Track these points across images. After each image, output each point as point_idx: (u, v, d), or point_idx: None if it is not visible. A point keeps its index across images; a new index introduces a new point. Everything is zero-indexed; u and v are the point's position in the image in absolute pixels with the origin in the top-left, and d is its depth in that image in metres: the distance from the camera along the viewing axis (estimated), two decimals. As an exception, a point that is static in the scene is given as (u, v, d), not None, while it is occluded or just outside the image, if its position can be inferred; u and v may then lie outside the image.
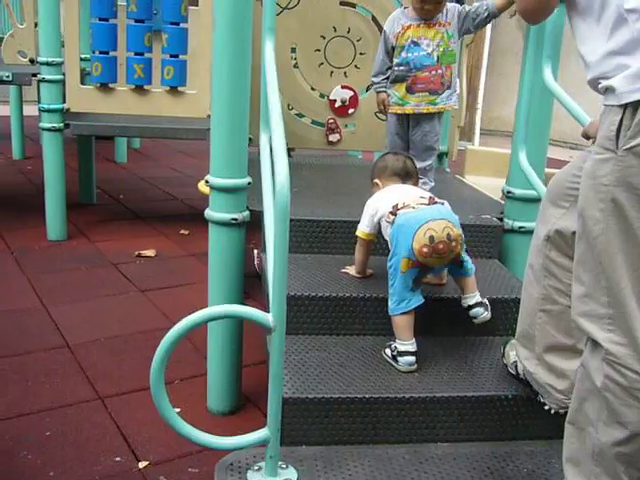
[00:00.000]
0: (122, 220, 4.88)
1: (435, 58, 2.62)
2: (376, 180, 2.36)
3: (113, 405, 2.61)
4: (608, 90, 1.42)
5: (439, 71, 2.63)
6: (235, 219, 2.43)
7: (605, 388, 1.48)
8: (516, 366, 2.00)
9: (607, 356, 1.47)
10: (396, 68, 2.68)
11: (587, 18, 1.49)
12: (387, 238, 2.16)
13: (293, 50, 3.37)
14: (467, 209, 2.65)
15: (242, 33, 2.26)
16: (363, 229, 2.28)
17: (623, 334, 1.45)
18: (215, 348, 2.54)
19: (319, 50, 3.37)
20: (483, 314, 2.13)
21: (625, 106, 1.38)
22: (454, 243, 2.04)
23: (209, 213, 2.47)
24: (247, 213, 2.49)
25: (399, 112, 2.72)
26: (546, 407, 1.91)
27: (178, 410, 2.52)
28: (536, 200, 2.59)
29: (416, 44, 2.62)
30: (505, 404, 1.97)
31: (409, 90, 2.67)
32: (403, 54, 2.65)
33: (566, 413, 1.84)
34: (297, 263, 2.44)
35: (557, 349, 1.85)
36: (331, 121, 3.47)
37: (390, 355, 2.08)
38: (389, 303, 2.10)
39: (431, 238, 2.01)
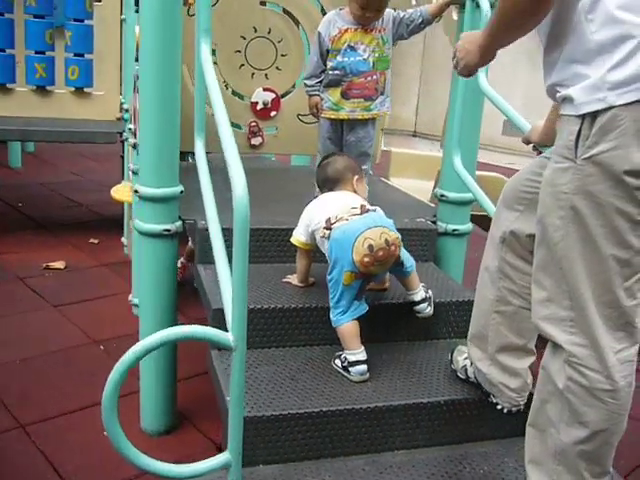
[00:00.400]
0: (24, 230, 4.58)
1: (371, 64, 2.59)
2: (317, 189, 2.33)
3: (37, 432, 2.44)
4: (566, 100, 1.45)
5: (374, 77, 2.61)
6: (168, 230, 2.33)
7: (567, 389, 1.51)
8: (466, 370, 2.02)
9: (569, 358, 1.50)
10: (331, 72, 2.63)
11: (551, 23, 1.50)
12: (324, 252, 2.12)
13: (213, 51, 3.26)
14: (400, 213, 2.65)
15: (171, 33, 2.16)
16: (299, 237, 2.24)
17: (584, 336, 1.48)
18: (148, 364, 2.42)
19: (239, 51, 3.28)
20: (427, 309, 2.19)
21: (583, 116, 1.40)
22: (393, 247, 2.03)
23: (138, 224, 2.35)
24: (180, 223, 2.38)
25: (333, 117, 2.68)
26: (499, 407, 1.94)
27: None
28: (469, 202, 2.64)
29: (353, 49, 2.58)
30: (458, 408, 1.98)
31: (344, 95, 2.63)
32: (339, 58, 2.60)
33: (518, 412, 1.90)
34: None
35: (510, 349, 1.87)
36: (253, 124, 3.39)
37: (341, 366, 2.05)
38: (331, 315, 2.07)
39: (370, 247, 1.99)
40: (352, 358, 2.02)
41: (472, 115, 2.49)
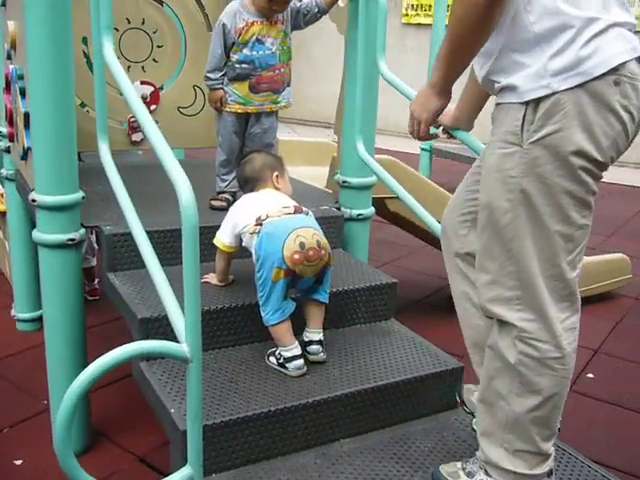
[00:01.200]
0: None
1: (278, 57, 2.55)
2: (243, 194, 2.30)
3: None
4: (507, 88, 1.51)
5: (282, 70, 2.57)
6: (72, 239, 2.18)
7: (519, 363, 1.60)
8: None
9: (520, 334, 1.58)
10: (237, 65, 2.55)
11: None
12: (252, 250, 2.07)
13: (84, 43, 3.07)
14: (301, 202, 2.65)
15: (63, 28, 2.03)
16: (223, 240, 2.17)
17: (532, 311, 1.57)
18: (57, 378, 2.26)
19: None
20: (320, 354, 2.08)
21: (527, 103, 1.48)
22: (323, 251, 2.01)
23: (38, 235, 2.19)
24: (83, 231, 2.25)
25: (240, 111, 2.61)
26: None
27: (20, 462, 2.25)
28: (370, 186, 2.70)
29: (261, 42, 2.52)
30: (397, 389, 2.03)
31: (252, 89, 2.56)
32: (246, 51, 2.53)
33: (448, 388, 1.96)
34: (143, 280, 2.25)
35: None
36: (133, 119, 3.23)
37: (277, 363, 2.03)
38: (262, 314, 2.03)
39: (302, 244, 1.97)
40: (288, 354, 2.02)
41: (370, 101, 2.54)
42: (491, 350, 1.67)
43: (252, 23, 2.52)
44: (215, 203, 2.68)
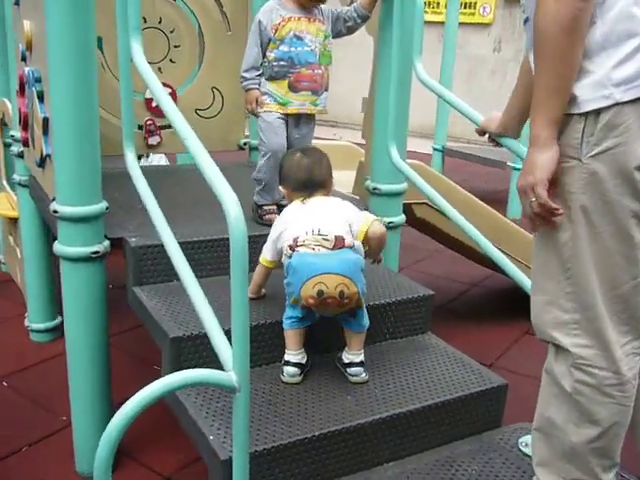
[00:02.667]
0: None
1: (318, 56, 2.42)
2: (281, 187, 2.15)
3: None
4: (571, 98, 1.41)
5: (321, 70, 2.44)
6: (96, 252, 2.08)
7: (576, 391, 1.51)
8: None
9: (576, 361, 1.50)
10: (275, 63, 2.41)
11: None
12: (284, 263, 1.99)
13: (99, 44, 2.95)
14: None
15: (86, 30, 1.92)
16: (266, 256, 2.07)
17: (589, 336, 1.48)
18: (80, 393, 2.19)
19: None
20: (362, 374, 1.99)
21: (586, 114, 1.38)
22: (347, 300, 1.86)
23: (60, 248, 2.08)
24: (108, 243, 2.14)
25: (280, 112, 2.46)
26: None
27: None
28: (401, 194, 2.61)
29: (299, 38, 2.39)
30: (441, 410, 1.94)
31: (292, 88, 2.42)
32: (284, 48, 2.39)
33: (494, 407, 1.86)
34: (172, 294, 2.15)
35: None
36: (149, 122, 3.13)
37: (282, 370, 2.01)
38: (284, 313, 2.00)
39: (319, 292, 1.84)
40: (286, 357, 1.99)
41: (403, 105, 2.44)
42: (547, 375, 1.59)
43: (289, 19, 2.40)
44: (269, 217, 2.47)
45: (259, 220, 2.49)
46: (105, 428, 2.19)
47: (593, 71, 1.38)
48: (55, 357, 2.96)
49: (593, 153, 1.39)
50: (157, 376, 2.79)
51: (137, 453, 2.40)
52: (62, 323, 3.10)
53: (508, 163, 5.38)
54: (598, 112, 1.37)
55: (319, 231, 1.90)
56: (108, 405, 2.25)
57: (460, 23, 5.79)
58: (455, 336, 2.54)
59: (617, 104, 1.36)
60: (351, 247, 1.92)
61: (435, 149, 5.92)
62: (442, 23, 6.33)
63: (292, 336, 1.98)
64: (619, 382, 1.50)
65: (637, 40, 1.34)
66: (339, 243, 1.90)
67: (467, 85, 8.42)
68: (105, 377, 2.22)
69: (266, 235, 2.08)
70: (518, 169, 5.35)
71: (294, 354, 1.98)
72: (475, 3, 8.82)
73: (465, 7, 8.39)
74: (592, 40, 1.37)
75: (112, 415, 2.22)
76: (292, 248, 1.92)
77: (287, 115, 2.46)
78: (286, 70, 2.41)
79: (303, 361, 1.99)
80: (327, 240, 1.89)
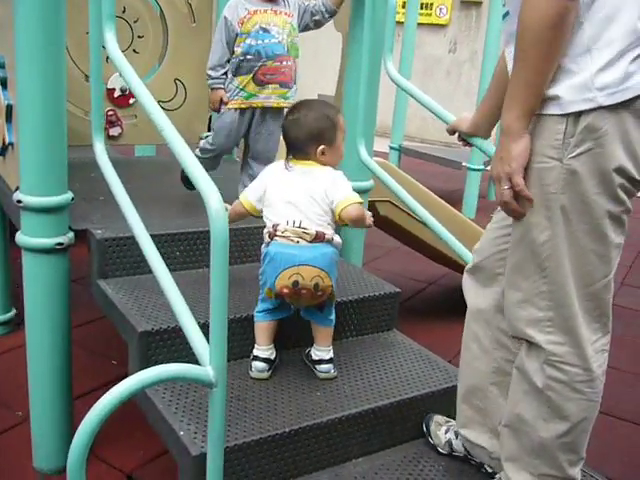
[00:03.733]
0: None
1: (286, 47, 2.41)
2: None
3: None
4: (548, 99, 1.43)
5: (289, 62, 2.43)
6: (60, 244, 2.03)
7: (547, 387, 1.54)
8: (450, 444, 1.91)
9: (549, 357, 1.53)
10: (242, 58, 2.40)
11: None
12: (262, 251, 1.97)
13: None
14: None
15: (55, 14, 1.86)
16: (248, 195, 1.97)
17: (562, 333, 1.52)
18: (39, 384, 2.12)
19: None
20: (332, 371, 2.00)
21: (567, 115, 1.40)
22: (320, 293, 1.88)
23: (23, 239, 2.02)
24: (72, 235, 2.09)
25: (244, 107, 2.44)
26: (497, 476, 1.76)
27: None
28: (367, 190, 2.62)
29: (266, 30, 2.37)
30: (409, 406, 1.96)
31: (257, 82, 2.41)
32: (250, 41, 2.38)
33: None
34: (138, 288, 2.12)
35: None
36: (110, 113, 3.07)
37: (249, 365, 2.01)
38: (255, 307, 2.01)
39: (295, 283, 1.85)
40: (255, 353, 2.00)
41: (371, 103, 2.45)
42: (518, 372, 1.61)
43: (255, 12, 2.39)
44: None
45: None
46: (65, 422, 2.18)
47: (577, 72, 1.39)
48: (9, 351, 2.87)
49: (574, 154, 1.41)
50: (115, 371, 2.76)
51: (97, 448, 2.34)
52: (16, 315, 3.04)
53: (464, 163, 5.46)
54: (579, 114, 1.39)
55: (300, 224, 1.88)
56: (68, 400, 2.20)
57: (417, 23, 5.84)
58: (415, 333, 2.56)
59: (599, 107, 1.38)
60: (330, 241, 1.91)
61: (392, 148, 5.96)
62: (400, 23, 6.37)
63: (262, 330, 1.98)
64: (589, 379, 1.53)
65: (622, 44, 1.36)
66: (318, 238, 1.88)
67: (422, 85, 8.49)
68: (66, 371, 2.16)
69: (251, 228, 2.06)
70: (474, 169, 5.45)
71: (263, 349, 1.98)
72: (431, 4, 8.93)
73: (422, 8, 8.47)
74: (578, 41, 1.38)
75: (71, 410, 2.21)
76: (271, 236, 1.90)
77: (253, 109, 2.44)
78: (252, 64, 2.40)
79: (272, 357, 1.99)
80: (307, 234, 1.88)
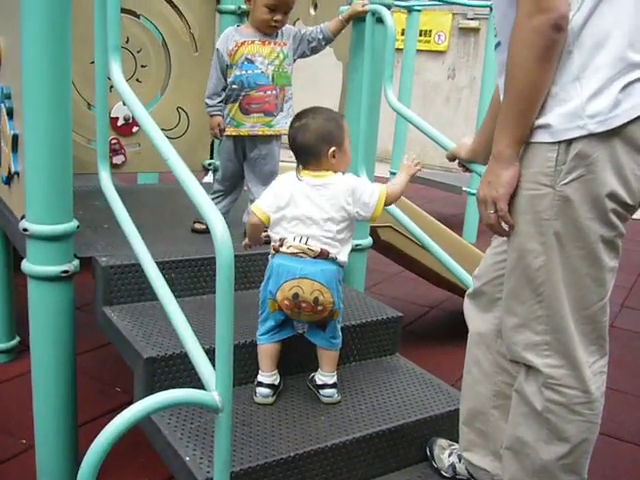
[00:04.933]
0: None
1: (270, 77, 2.47)
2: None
3: None
4: (539, 127, 1.45)
5: (274, 91, 2.49)
6: (66, 271, 2.05)
7: (546, 410, 1.55)
8: (454, 468, 1.91)
9: (547, 380, 1.54)
10: (230, 87, 2.49)
11: None
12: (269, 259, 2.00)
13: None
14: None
15: (62, 44, 1.90)
16: (260, 206, 1.94)
17: (559, 357, 1.53)
18: (44, 412, 2.12)
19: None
20: (335, 395, 2.01)
21: (559, 143, 1.43)
22: (320, 308, 1.90)
23: (29, 267, 2.04)
24: (77, 263, 2.11)
25: (234, 134, 2.53)
26: None
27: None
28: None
29: (250, 61, 2.46)
30: (413, 430, 1.97)
31: (243, 110, 2.49)
32: (237, 72, 2.46)
33: None
34: (143, 315, 2.14)
35: None
36: (114, 141, 3.11)
37: (254, 390, 2.02)
38: (257, 333, 2.01)
39: (295, 295, 1.88)
40: (259, 379, 2.01)
41: (372, 130, 2.49)
42: (517, 395, 1.63)
43: (242, 43, 2.48)
44: (198, 226, 2.59)
45: None
46: (70, 450, 2.18)
47: (567, 100, 1.42)
48: (13, 379, 2.88)
49: (566, 181, 1.43)
50: (119, 398, 2.76)
51: (101, 476, 2.35)
52: (20, 343, 3.05)
53: (464, 188, 5.50)
54: (570, 141, 1.42)
55: (307, 241, 1.89)
56: (73, 427, 2.20)
57: (416, 50, 5.92)
58: (417, 357, 2.58)
59: (590, 135, 1.40)
60: (334, 259, 1.92)
61: (392, 173, 6.00)
62: (399, 50, 6.47)
63: (266, 354, 1.99)
64: (588, 400, 1.55)
65: (611, 72, 1.39)
66: (322, 255, 1.90)
67: (422, 110, 8.60)
68: (71, 399, 2.17)
69: (255, 254, 2.08)
70: (474, 194, 5.48)
71: (267, 375, 1.99)
72: (430, 31, 9.06)
73: (421, 35, 8.59)
74: (567, 70, 1.42)
75: (76, 437, 2.22)
76: (276, 249, 1.93)
77: (242, 137, 2.52)
78: (237, 93, 2.48)
79: (276, 382, 2.00)
80: (312, 250, 1.89)
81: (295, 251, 1.89)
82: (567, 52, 1.41)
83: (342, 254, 1.95)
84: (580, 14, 1.40)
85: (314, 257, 1.89)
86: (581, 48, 1.41)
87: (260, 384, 1.99)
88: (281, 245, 1.92)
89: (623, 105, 1.40)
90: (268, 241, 2.01)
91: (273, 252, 1.95)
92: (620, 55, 1.39)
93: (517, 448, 1.63)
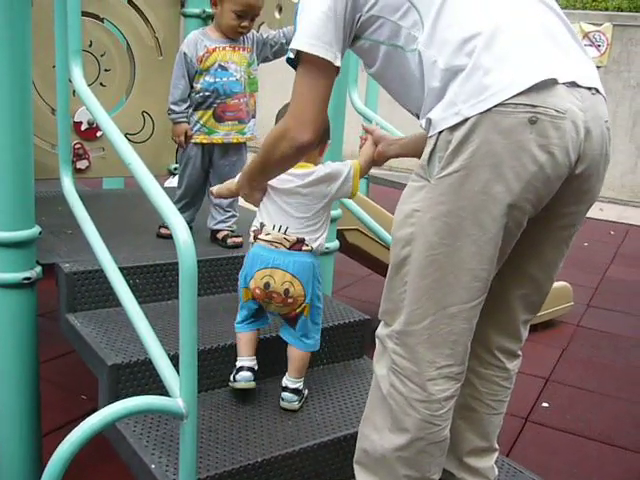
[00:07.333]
0: None
1: (243, 85, 2.46)
2: None
3: None
4: (427, 123, 1.43)
5: (245, 99, 2.48)
6: (28, 278, 2.01)
7: (390, 396, 1.53)
8: None
9: (393, 366, 1.51)
10: (200, 94, 2.45)
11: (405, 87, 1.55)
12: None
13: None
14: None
15: (22, 49, 1.87)
16: None
17: (406, 349, 1.49)
18: (6, 421, 2.07)
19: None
20: (295, 403, 1.98)
21: (439, 134, 1.40)
22: (291, 300, 1.91)
23: (-10, 274, 2.00)
24: (40, 269, 2.08)
25: (205, 142, 2.50)
26: None
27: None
28: (335, 219, 2.65)
29: (224, 68, 2.43)
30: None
31: (217, 118, 2.46)
32: (209, 79, 2.43)
33: None
34: (107, 321, 2.12)
35: (477, 451, 1.81)
36: (78, 146, 3.07)
37: (232, 379, 1.99)
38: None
39: (266, 284, 1.90)
40: (239, 364, 1.99)
41: (338, 132, 2.49)
42: (373, 375, 1.61)
43: (214, 49, 2.44)
44: (163, 231, 2.53)
45: (222, 244, 2.46)
46: (33, 459, 2.15)
47: (443, 96, 1.40)
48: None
49: (440, 175, 1.39)
50: (85, 406, 2.72)
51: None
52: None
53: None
54: (449, 134, 1.38)
55: (286, 230, 1.89)
56: (37, 436, 2.16)
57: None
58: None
59: (466, 121, 1.35)
60: (309, 251, 1.91)
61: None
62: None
63: (245, 341, 1.99)
64: (426, 399, 1.49)
65: (471, 60, 1.36)
66: (297, 246, 1.90)
67: (389, 114, 8.63)
68: (34, 408, 2.13)
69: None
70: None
71: (248, 360, 1.98)
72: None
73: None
74: (438, 74, 1.40)
75: (41, 446, 2.18)
76: (255, 236, 1.94)
77: (213, 144, 2.48)
78: (211, 100, 2.46)
79: (255, 367, 1.99)
80: (287, 240, 1.90)
81: (271, 239, 1.90)
82: (433, 62, 1.40)
83: (319, 240, 1.94)
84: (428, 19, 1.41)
85: (289, 247, 1.89)
86: (441, 52, 1.39)
87: (241, 368, 1.97)
88: (260, 232, 1.93)
89: (492, 88, 1.35)
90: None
91: (252, 241, 1.96)
92: (467, 35, 1.38)
93: (366, 432, 1.61)
